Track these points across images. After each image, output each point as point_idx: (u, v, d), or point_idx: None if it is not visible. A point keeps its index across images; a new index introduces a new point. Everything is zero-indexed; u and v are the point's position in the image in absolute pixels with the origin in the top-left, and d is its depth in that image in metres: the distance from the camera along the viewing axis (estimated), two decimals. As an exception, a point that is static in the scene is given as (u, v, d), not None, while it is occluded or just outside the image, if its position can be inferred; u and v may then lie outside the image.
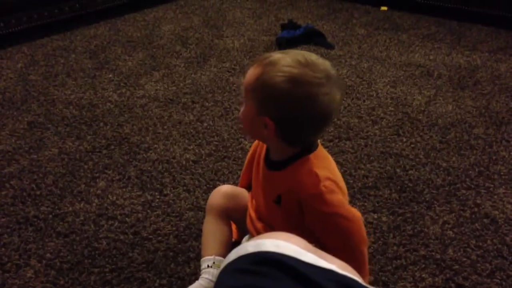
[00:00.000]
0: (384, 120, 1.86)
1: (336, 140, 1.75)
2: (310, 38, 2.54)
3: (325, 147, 1.68)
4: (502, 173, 1.56)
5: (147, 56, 2.45)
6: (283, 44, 2.47)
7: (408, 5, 2.86)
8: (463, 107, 1.93)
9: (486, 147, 1.69)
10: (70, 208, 1.45)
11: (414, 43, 2.49)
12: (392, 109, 1.93)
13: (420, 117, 1.87)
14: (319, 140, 1.09)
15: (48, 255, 1.29)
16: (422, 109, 1.92)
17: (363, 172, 1.59)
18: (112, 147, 1.74)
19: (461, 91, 2.03)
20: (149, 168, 1.62)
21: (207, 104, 2.02)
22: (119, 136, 1.80)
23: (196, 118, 1.92)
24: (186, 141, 1.78)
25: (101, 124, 1.88)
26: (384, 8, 2.94)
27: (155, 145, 1.75)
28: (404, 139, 1.75)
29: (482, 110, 1.90)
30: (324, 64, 0.97)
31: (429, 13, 2.76)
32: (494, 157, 1.64)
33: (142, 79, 2.22)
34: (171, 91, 2.12)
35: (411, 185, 1.53)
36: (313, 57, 0.97)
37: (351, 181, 1.54)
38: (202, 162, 1.66)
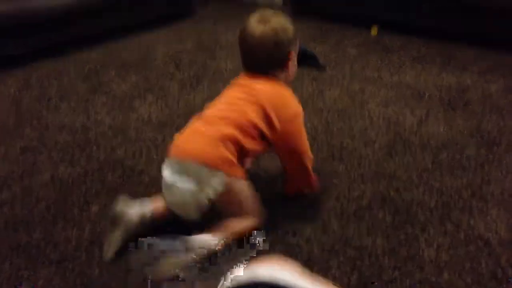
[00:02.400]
0: (377, 140, 1.87)
1: (330, 160, 1.76)
2: (303, 59, 2.55)
3: (319, 168, 1.69)
4: (494, 194, 1.57)
5: (141, 79, 2.46)
6: (276, 66, 2.48)
7: (397, 27, 2.90)
8: (454, 127, 1.94)
9: (478, 167, 1.70)
10: (63, 235, 1.44)
11: (404, 64, 2.52)
12: (385, 129, 1.94)
13: (412, 138, 1.88)
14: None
15: (40, 282, 1.28)
16: (414, 129, 1.94)
17: (357, 193, 1.59)
18: (105, 171, 1.73)
19: (452, 112, 2.04)
20: (142, 192, 1.62)
21: (200, 126, 2.02)
22: (112, 160, 1.80)
23: (190, 140, 1.92)
24: (180, 164, 1.77)
25: (94, 147, 1.88)
26: (374, 29, 2.98)
27: (149, 169, 1.75)
28: (397, 160, 1.76)
29: (473, 131, 1.91)
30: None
31: (418, 35, 2.80)
32: (486, 178, 1.65)
33: (135, 102, 2.23)
34: (165, 114, 2.12)
35: (405, 206, 1.53)
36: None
37: (345, 203, 1.54)
38: (196, 185, 1.65)
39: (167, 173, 1.36)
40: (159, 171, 1.73)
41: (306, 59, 2.55)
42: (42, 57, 2.68)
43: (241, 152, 1.34)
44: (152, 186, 1.65)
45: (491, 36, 2.60)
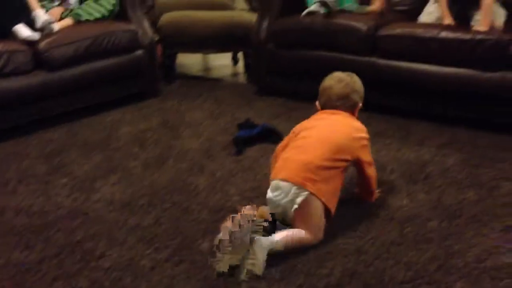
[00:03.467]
0: (343, 216, 1.87)
1: (296, 239, 1.74)
2: (267, 136, 2.60)
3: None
4: (459, 267, 1.57)
5: (104, 159, 2.43)
6: (240, 143, 2.52)
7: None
8: (416, 201, 1.97)
9: (442, 240, 1.71)
10: (14, 326, 1.34)
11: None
12: (350, 205, 1.95)
13: (377, 212, 1.89)
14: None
15: None
16: (379, 204, 1.95)
17: (325, 271, 1.57)
18: (63, 255, 1.66)
19: (414, 185, 2.08)
20: (102, 277, 1.55)
21: (165, 206, 1.99)
22: (71, 244, 1.73)
23: (154, 221, 1.88)
24: (143, 245, 1.72)
25: (52, 231, 1.81)
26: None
27: (109, 252, 1.69)
28: (363, 235, 1.75)
29: (435, 203, 1.94)
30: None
31: (378, 112, 2.91)
32: (450, 251, 1.65)
33: (97, 183, 2.19)
34: (128, 194, 2.09)
35: (373, 282, 1.51)
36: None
37: (315, 281, 1.51)
38: (159, 268, 1.60)
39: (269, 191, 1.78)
40: (121, 254, 1.67)
41: (270, 136, 2.60)
42: (2, 139, 2.64)
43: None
44: (113, 270, 1.58)
45: (445, 113, 2.72)
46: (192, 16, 3.74)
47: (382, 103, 2.90)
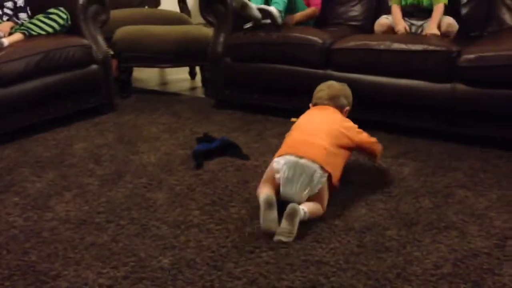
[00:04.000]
0: (303, 227, 1.88)
1: (258, 251, 1.73)
2: (226, 150, 2.59)
3: (246, 259, 1.66)
4: (417, 274, 1.60)
5: (58, 176, 2.36)
6: (200, 157, 2.49)
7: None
8: (375, 210, 2.00)
9: (401, 248, 1.74)
10: None
11: (324, 151, 2.61)
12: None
13: (336, 222, 1.91)
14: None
15: None
16: (338, 214, 1.97)
17: (286, 283, 1.56)
18: (15, 277, 1.59)
19: (372, 195, 2.12)
20: (57, 298, 1.49)
21: (122, 222, 1.94)
22: (24, 265, 1.66)
23: (111, 238, 1.83)
24: (100, 264, 1.67)
25: (4, 252, 1.73)
26: (294, 119, 3.10)
27: (65, 272, 1.63)
28: (324, 246, 1.76)
29: (392, 212, 1.98)
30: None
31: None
32: (409, 258, 1.68)
33: (51, 201, 2.11)
34: (84, 211, 2.03)
35: (334, 293, 1.51)
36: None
37: (275, 294, 1.50)
38: (117, 286, 1.55)
39: (285, 168, 1.93)
40: (77, 273, 1.62)
41: (229, 150, 2.59)
42: None
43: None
44: (69, 291, 1.52)
45: (401, 124, 2.79)
46: (148, 30, 3.71)
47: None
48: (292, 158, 1.94)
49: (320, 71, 2.93)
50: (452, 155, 2.51)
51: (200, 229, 1.88)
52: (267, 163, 2.47)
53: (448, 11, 2.91)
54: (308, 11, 3.30)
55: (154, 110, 3.37)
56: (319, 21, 3.38)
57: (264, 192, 1.92)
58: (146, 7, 4.71)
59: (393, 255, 1.70)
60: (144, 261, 1.69)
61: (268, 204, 1.83)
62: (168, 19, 4.19)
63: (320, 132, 2.03)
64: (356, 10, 3.39)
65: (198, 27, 3.89)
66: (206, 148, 2.56)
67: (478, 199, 2.07)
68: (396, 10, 3.03)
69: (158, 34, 3.65)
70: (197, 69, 4.20)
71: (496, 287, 1.54)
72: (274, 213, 1.82)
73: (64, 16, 3.18)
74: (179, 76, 4.41)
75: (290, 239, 1.78)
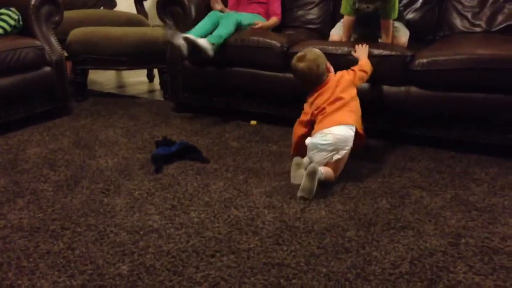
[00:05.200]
0: (264, 230, 1.88)
1: (218, 255, 1.72)
2: (185, 153, 2.57)
3: (207, 263, 1.65)
4: (376, 274, 1.63)
5: (10, 182, 2.27)
6: (159, 161, 2.46)
7: (275, 119, 3.07)
8: (334, 211, 2.03)
9: (360, 248, 1.77)
10: None
11: (284, 154, 2.63)
12: (270, 218, 1.97)
13: (297, 224, 1.92)
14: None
15: None
16: (298, 216, 1.99)
17: (247, 286, 1.56)
18: (-35, 290, 1.52)
19: (331, 197, 2.15)
20: (10, 310, 1.43)
21: (79, 229, 1.89)
22: (-26, 276, 1.58)
23: (67, 246, 1.78)
24: (56, 273, 1.62)
25: (-48, 264, 1.65)
26: (253, 122, 3.12)
27: (19, 281, 1.57)
28: (285, 248, 1.77)
29: (351, 213, 2.01)
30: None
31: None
32: (368, 258, 1.71)
33: (3, 208, 2.03)
34: (38, 219, 1.96)
35: (296, 295, 1.52)
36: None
37: (237, 298, 1.49)
38: (74, 296, 1.51)
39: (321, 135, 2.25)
40: (31, 283, 1.56)
41: (188, 153, 2.57)
42: None
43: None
44: (22, 302, 1.47)
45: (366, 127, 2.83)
46: (103, 31, 3.63)
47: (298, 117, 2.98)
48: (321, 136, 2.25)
49: (280, 74, 2.96)
50: (407, 156, 2.58)
51: (160, 234, 1.86)
52: (227, 166, 2.47)
53: (400, 16, 2.97)
54: (270, 22, 3.32)
55: (111, 114, 3.30)
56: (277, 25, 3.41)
57: (295, 157, 2.30)
58: (102, 8, 4.62)
59: (353, 255, 1.73)
60: (101, 269, 1.65)
61: (296, 164, 2.25)
62: (125, 20, 4.12)
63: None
64: (313, 14, 3.43)
65: (156, 29, 3.84)
66: (166, 152, 2.53)
67: (433, 199, 2.13)
68: (346, 22, 2.93)
69: (114, 35, 3.58)
70: (155, 71, 4.14)
71: (451, 285, 1.58)
72: (302, 171, 2.21)
73: (15, 17, 3.07)
74: (137, 79, 4.35)
75: (310, 197, 2.10)
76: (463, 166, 2.46)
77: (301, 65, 2.37)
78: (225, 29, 3.00)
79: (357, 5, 2.84)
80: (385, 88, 2.70)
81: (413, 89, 2.65)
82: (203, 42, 2.92)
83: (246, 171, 2.41)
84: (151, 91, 4.05)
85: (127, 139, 2.84)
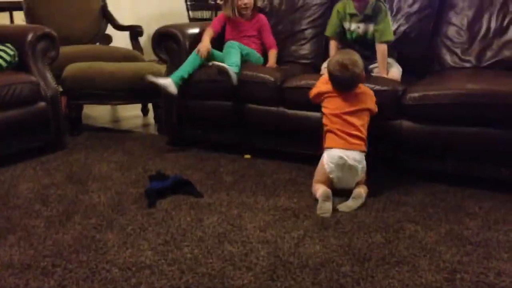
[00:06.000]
0: (258, 265, 1.86)
1: (212, 293, 1.69)
2: (179, 187, 2.56)
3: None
4: (373, 310, 1.61)
5: (1, 218, 2.25)
6: (152, 195, 2.45)
7: (269, 153, 3.08)
8: (329, 246, 2.01)
9: (355, 284, 1.75)
10: None
11: (278, 187, 2.63)
12: (264, 254, 1.95)
13: (291, 260, 1.91)
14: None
15: None
16: (293, 251, 1.97)
17: (241, 325, 1.53)
18: (-49, 330, 1.48)
19: (325, 231, 2.13)
20: None
21: (70, 266, 1.86)
22: (-39, 316, 1.55)
23: (58, 283, 1.75)
24: (45, 312, 1.59)
25: None
26: (248, 156, 3.12)
27: (7, 322, 1.53)
28: (279, 284, 1.75)
29: (346, 248, 2.00)
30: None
31: (289, 160, 2.99)
32: (363, 294, 1.69)
33: (-6, 245, 2.01)
34: (29, 255, 1.93)
35: (290, 333, 1.49)
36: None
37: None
38: (64, 335, 1.47)
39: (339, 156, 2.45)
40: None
41: (182, 188, 2.56)
42: None
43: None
44: None
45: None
46: (99, 67, 3.67)
47: (292, 150, 2.99)
48: (339, 160, 2.42)
49: (273, 108, 2.98)
50: (401, 189, 2.58)
51: (152, 271, 1.83)
52: (221, 200, 2.46)
53: (392, 52, 3.03)
54: (273, 57, 3.35)
55: (105, 148, 3.30)
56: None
57: (322, 187, 2.40)
58: (98, 43, 4.68)
59: (348, 291, 1.71)
60: (93, 307, 1.62)
61: (326, 197, 2.34)
62: (120, 56, 4.17)
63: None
64: (306, 49, 3.48)
65: (151, 64, 3.88)
66: (159, 186, 2.52)
67: (428, 233, 2.12)
68: (332, 45, 3.06)
69: (109, 71, 3.62)
70: (150, 105, 4.17)
71: (447, 321, 1.56)
72: (330, 204, 2.33)
73: (11, 53, 3.11)
74: (131, 113, 4.37)
75: (352, 210, 2.34)
76: (457, 199, 2.46)
77: (346, 71, 2.49)
78: (235, 57, 3.06)
79: (347, 25, 2.92)
80: (378, 121, 2.72)
81: (406, 122, 2.67)
82: (229, 69, 2.96)
83: (240, 205, 2.40)
84: (146, 125, 4.07)
85: (121, 173, 2.84)
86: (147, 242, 2.05)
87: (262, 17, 3.45)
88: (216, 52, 3.23)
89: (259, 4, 3.55)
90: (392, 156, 2.75)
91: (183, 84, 3.10)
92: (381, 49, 2.90)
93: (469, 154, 2.56)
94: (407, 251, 1.98)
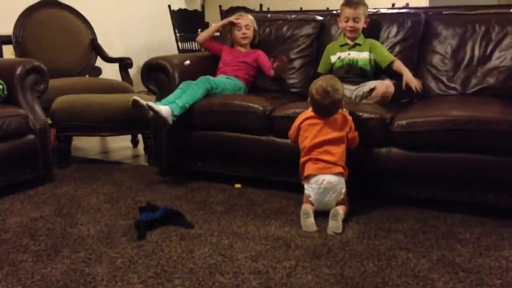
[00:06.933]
0: (250, 297, 1.84)
1: (203, 326, 1.66)
2: (169, 218, 2.54)
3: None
4: None
5: (-12, 253, 2.21)
6: (142, 227, 2.42)
7: (259, 182, 3.07)
8: (321, 275, 2.00)
9: (348, 314, 1.73)
10: None
11: (269, 217, 2.62)
12: (256, 284, 1.93)
13: (283, 291, 1.89)
14: None
15: None
16: (284, 281, 1.95)
17: None
18: None
19: (317, 260, 2.12)
20: None
21: (58, 302, 1.82)
22: None
23: (45, 320, 1.71)
24: None
25: None
26: (238, 185, 3.12)
27: None
28: (271, 316, 1.72)
29: (338, 277, 1.98)
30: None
31: (280, 189, 2.99)
32: (357, 324, 1.67)
33: (-20, 281, 1.96)
34: (16, 292, 1.89)
35: None
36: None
37: None
38: None
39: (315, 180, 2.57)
40: None
41: (173, 219, 2.54)
42: None
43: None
44: None
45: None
46: (88, 99, 3.68)
47: (283, 179, 2.99)
48: (315, 184, 2.55)
49: (263, 137, 2.99)
50: (391, 216, 2.58)
51: (143, 305, 1.80)
52: (211, 230, 2.44)
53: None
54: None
55: (94, 180, 3.28)
56: (260, 88, 3.50)
57: (303, 206, 2.55)
58: (87, 76, 4.70)
59: (341, 322, 1.69)
60: None
61: (305, 214, 2.49)
62: (110, 87, 4.19)
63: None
64: (295, 78, 3.53)
65: (140, 95, 3.89)
66: (150, 218, 2.50)
67: (420, 260, 2.12)
68: None
69: (99, 102, 3.63)
70: (140, 136, 4.16)
71: None
72: (312, 219, 2.46)
73: (0, 87, 3.11)
74: (120, 144, 4.36)
75: (340, 231, 2.38)
76: (447, 226, 2.47)
77: (327, 97, 2.59)
78: (189, 96, 3.09)
79: (337, 55, 3.16)
80: (367, 149, 2.74)
81: (394, 149, 2.69)
82: (162, 109, 2.96)
83: (231, 235, 2.39)
84: (135, 156, 4.05)
85: (110, 205, 2.81)
86: (137, 275, 2.02)
87: (260, 51, 3.54)
88: (213, 79, 3.27)
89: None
90: (381, 183, 2.76)
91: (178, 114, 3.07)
92: (397, 64, 3.13)
93: (457, 181, 2.58)
94: (400, 279, 1.97)
